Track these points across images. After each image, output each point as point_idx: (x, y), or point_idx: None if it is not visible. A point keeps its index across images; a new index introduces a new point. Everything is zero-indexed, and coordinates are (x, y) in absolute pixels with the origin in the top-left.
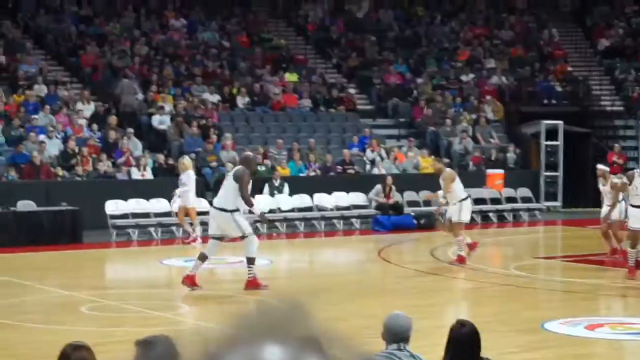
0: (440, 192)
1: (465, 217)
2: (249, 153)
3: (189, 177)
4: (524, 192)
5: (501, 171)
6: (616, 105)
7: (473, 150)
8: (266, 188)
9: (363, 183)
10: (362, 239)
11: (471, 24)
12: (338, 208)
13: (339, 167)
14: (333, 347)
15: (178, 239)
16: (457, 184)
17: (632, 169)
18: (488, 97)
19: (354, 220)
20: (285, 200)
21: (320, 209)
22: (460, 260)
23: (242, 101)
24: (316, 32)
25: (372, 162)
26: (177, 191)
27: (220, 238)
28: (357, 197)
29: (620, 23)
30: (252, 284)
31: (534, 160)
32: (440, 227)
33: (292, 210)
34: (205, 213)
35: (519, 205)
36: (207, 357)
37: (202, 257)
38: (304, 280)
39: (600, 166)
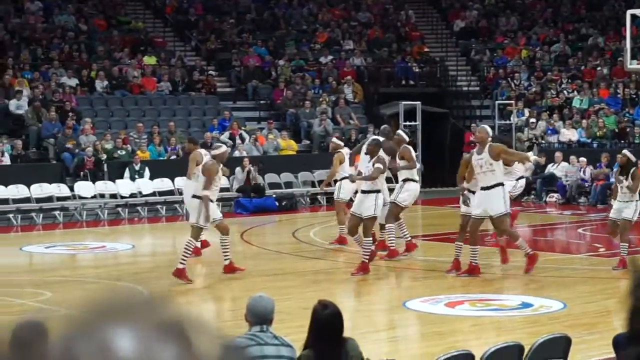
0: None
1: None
2: (386, 126)
3: None
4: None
5: None
6: (472, 85)
7: (333, 131)
8: (126, 172)
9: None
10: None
11: (329, 5)
12: None
13: None
14: (194, 334)
15: (37, 225)
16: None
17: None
18: (347, 79)
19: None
20: (146, 184)
21: (181, 192)
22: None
23: (100, 85)
24: (174, 15)
25: (233, 145)
26: None
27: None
28: None
29: (474, 5)
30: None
31: None
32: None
33: (154, 194)
34: (66, 198)
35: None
36: (56, 343)
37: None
38: (168, 265)
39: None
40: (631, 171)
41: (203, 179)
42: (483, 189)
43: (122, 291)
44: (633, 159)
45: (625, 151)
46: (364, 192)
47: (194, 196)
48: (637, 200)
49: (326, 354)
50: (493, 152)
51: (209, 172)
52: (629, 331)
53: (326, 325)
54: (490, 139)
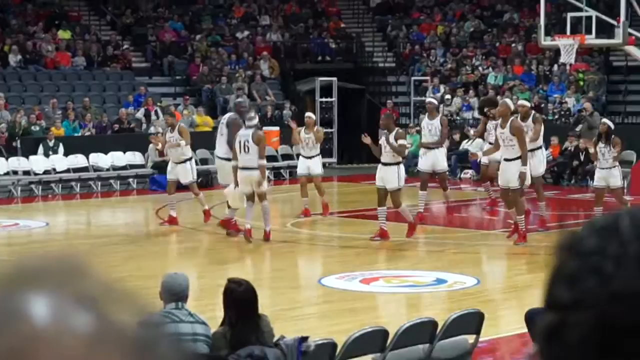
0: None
1: None
2: (240, 99)
3: None
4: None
5: (277, 128)
6: (388, 61)
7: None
8: (40, 148)
9: (139, 142)
10: (140, 199)
11: None
12: (114, 168)
13: (115, 126)
14: (112, 306)
15: None
16: None
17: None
18: (263, 54)
19: (130, 180)
20: (60, 161)
21: (96, 169)
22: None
23: (14, 59)
24: None
25: (148, 121)
26: None
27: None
28: (134, 157)
29: None
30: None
31: None
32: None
33: (68, 170)
34: None
35: (295, 162)
36: None
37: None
38: (81, 242)
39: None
40: (612, 138)
41: (257, 150)
42: (505, 160)
43: (36, 259)
44: (612, 126)
45: (604, 120)
46: (385, 164)
47: (245, 167)
48: (617, 166)
49: (241, 330)
50: (513, 127)
51: (264, 142)
52: (546, 298)
53: (242, 302)
54: (511, 113)
